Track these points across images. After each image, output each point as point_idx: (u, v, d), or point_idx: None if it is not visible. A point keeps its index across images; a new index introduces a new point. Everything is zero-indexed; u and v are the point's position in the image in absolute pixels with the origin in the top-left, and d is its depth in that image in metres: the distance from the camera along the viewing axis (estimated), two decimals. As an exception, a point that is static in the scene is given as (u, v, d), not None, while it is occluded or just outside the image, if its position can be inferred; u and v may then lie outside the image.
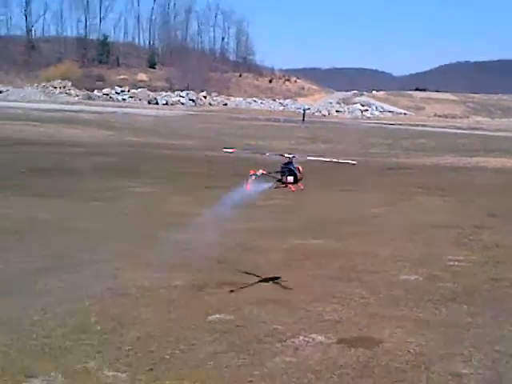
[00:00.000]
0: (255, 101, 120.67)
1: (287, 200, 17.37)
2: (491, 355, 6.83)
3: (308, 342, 7.13)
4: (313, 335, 7.31)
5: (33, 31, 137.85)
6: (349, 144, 40.36)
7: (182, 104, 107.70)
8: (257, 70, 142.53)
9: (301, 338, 7.24)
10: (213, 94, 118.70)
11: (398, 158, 29.42)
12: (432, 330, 7.56)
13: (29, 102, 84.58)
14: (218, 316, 7.63)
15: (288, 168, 9.55)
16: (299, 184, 9.55)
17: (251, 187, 9.10)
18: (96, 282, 9.31)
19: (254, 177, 9.17)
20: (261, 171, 9.35)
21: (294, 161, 9.61)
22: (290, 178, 9.51)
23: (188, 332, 7.29)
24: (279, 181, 9.53)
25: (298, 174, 9.57)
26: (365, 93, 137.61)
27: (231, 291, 8.83)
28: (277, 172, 9.55)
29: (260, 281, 9.09)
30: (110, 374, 6.17)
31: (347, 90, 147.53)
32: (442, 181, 22.61)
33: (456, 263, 10.89)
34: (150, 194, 17.79)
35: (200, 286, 9.15)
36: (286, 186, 9.49)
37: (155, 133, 42.57)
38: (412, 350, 6.90)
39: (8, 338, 6.99)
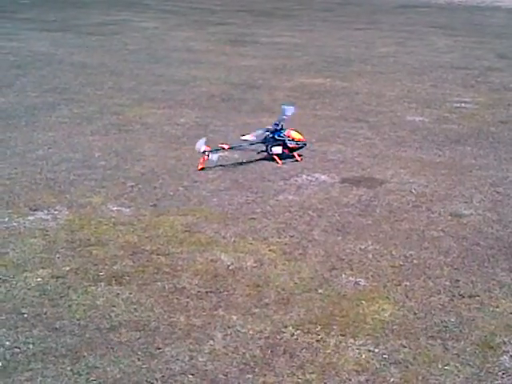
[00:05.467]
0: None
1: (295, 38, 17.02)
2: (492, 196, 6.87)
3: (311, 181, 7.16)
4: (316, 174, 7.34)
5: None
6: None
7: None
8: None
9: (304, 176, 7.27)
10: None
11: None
12: (435, 172, 7.58)
13: None
14: (221, 154, 7.62)
15: (273, 136, 7.77)
16: (294, 154, 7.82)
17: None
18: (100, 117, 9.28)
19: (208, 154, 7.34)
20: (221, 146, 7.58)
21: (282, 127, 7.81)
22: (277, 149, 7.72)
23: (192, 169, 7.32)
24: (262, 152, 7.84)
25: (290, 143, 7.77)
26: None
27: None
28: (252, 143, 7.79)
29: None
30: (114, 208, 6.24)
31: None
32: (454, 20, 21.97)
33: (463, 105, 10.77)
34: (155, 29, 17.38)
35: (204, 124, 9.11)
36: (273, 159, 7.73)
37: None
38: (414, 191, 6.94)
39: (13, 172, 7.05)
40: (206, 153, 7.32)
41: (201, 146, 7.34)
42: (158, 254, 5.39)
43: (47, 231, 5.71)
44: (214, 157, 7.31)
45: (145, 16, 19.33)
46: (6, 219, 5.91)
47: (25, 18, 17.61)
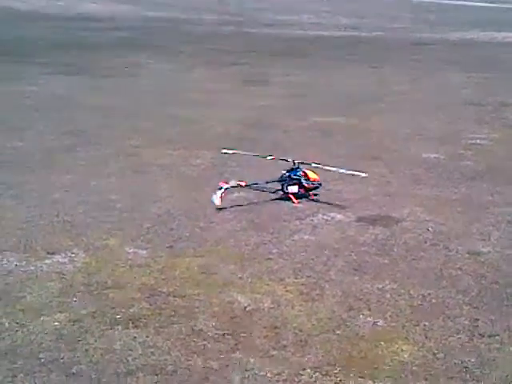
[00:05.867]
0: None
1: (308, 77, 17.15)
2: (510, 234, 6.83)
3: (327, 220, 7.16)
4: (332, 214, 7.34)
5: None
6: (372, 17, 39.26)
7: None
8: None
9: (319, 216, 7.27)
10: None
11: (422, 33, 28.66)
12: (451, 209, 7.56)
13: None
14: (237, 194, 7.64)
15: (289, 176, 7.78)
16: (310, 193, 7.83)
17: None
18: (116, 159, 9.35)
19: (223, 190, 7.39)
20: (235, 182, 7.62)
21: (298, 168, 7.85)
22: (293, 189, 7.71)
23: (207, 210, 7.34)
24: (278, 191, 7.83)
25: (306, 183, 7.78)
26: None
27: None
28: (268, 182, 7.86)
29: (281, 159, 9.01)
30: (131, 250, 6.26)
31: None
32: (466, 56, 22.07)
33: (478, 141, 10.77)
34: (168, 71, 17.55)
35: (220, 165, 9.15)
36: (289, 199, 7.70)
37: (172, 7, 41.58)
38: (431, 229, 6.92)
39: (30, 215, 7.09)
40: (224, 188, 7.38)
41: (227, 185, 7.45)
42: (174, 296, 5.38)
43: (64, 274, 5.73)
44: (214, 198, 7.28)
45: (159, 58, 19.55)
46: (24, 263, 5.93)
47: (42, 62, 17.85)
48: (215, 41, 25.00)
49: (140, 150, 9.83)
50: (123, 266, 5.92)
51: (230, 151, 7.70)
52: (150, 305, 5.23)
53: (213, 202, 7.27)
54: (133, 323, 4.93)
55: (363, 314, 5.12)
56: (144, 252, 6.24)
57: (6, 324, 4.90)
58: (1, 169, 8.65)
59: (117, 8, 38.84)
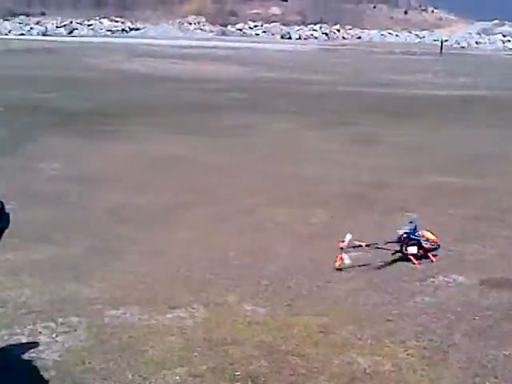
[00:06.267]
0: (390, 33, 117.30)
1: (423, 137, 16.99)
2: None
3: (448, 282, 6.98)
4: (453, 276, 7.15)
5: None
6: (489, 77, 38.65)
7: (315, 38, 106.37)
8: (392, 1, 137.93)
9: (440, 278, 7.10)
10: (346, 27, 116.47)
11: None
12: None
13: (165, 38, 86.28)
14: (355, 254, 7.58)
15: (408, 236, 7.63)
16: (429, 255, 7.65)
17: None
18: (234, 217, 9.49)
19: (342, 250, 7.31)
20: (353, 242, 7.46)
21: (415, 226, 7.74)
22: (412, 249, 7.54)
23: (325, 269, 7.31)
24: (397, 252, 7.67)
25: (425, 244, 7.62)
26: (507, 22, 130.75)
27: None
28: (387, 242, 7.71)
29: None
30: (249, 308, 6.29)
31: (490, 20, 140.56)
32: None
33: None
34: (284, 130, 17.80)
35: (336, 224, 9.12)
36: (408, 259, 7.55)
37: (288, 68, 42.39)
38: (559, 294, 6.62)
39: (152, 270, 7.26)
40: (344, 249, 7.31)
41: (346, 240, 7.35)
42: (293, 355, 5.35)
43: (185, 329, 5.81)
44: (347, 260, 7.25)
45: (275, 118, 19.87)
46: (146, 316, 6.06)
47: (162, 122, 18.48)
48: (330, 101, 25.24)
49: (257, 208, 9.95)
50: (242, 323, 5.96)
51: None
52: (269, 363, 5.22)
53: (344, 264, 7.22)
54: (252, 381, 4.93)
55: (489, 382, 4.93)
56: (262, 309, 6.26)
57: (130, 376, 5.01)
58: (124, 224, 8.93)
59: (232, 69, 39.99)
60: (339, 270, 7.24)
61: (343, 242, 7.38)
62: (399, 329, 5.83)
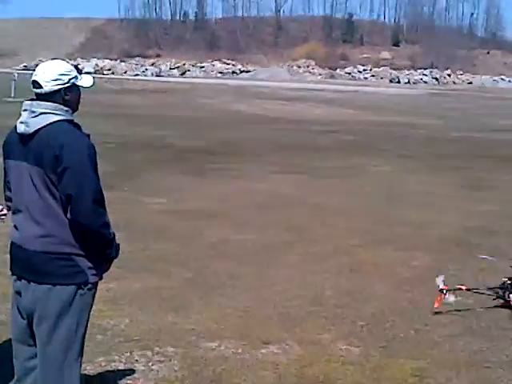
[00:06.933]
0: (503, 79, 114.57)
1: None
2: None
3: (552, 332, 6.72)
4: (557, 325, 6.88)
5: (281, 11, 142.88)
6: None
7: (425, 82, 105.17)
8: (507, 47, 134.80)
9: (544, 327, 6.84)
10: (457, 72, 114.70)
11: None
12: None
13: (274, 80, 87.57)
14: (454, 299, 7.41)
15: (511, 283, 7.33)
16: None
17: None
18: (333, 257, 9.47)
19: (446, 293, 7.13)
20: (455, 286, 7.32)
21: None
22: None
23: (423, 312, 7.18)
24: (499, 298, 7.42)
25: None
26: None
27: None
28: (490, 288, 7.53)
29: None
30: (344, 347, 6.26)
31: None
32: None
33: None
34: (390, 173, 17.66)
35: (438, 268, 8.94)
36: (510, 306, 7.25)
37: (397, 112, 42.13)
38: None
39: (248, 305, 7.34)
40: (444, 291, 7.15)
41: (440, 282, 7.20)
42: (386, 397, 5.28)
43: (278, 365, 5.84)
44: (451, 298, 7.11)
45: (381, 161, 19.76)
46: (240, 350, 6.13)
47: (271, 161, 18.75)
48: (438, 145, 24.89)
49: (357, 248, 9.90)
50: (335, 362, 5.93)
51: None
52: (361, 403, 5.16)
53: (447, 299, 7.10)
54: (342, 420, 4.89)
55: None
56: (356, 350, 6.21)
57: (220, 408, 5.07)
58: (224, 259, 9.07)
59: (340, 112, 40.11)
60: (437, 313, 7.10)
61: (444, 284, 7.23)
62: (497, 377, 5.66)
